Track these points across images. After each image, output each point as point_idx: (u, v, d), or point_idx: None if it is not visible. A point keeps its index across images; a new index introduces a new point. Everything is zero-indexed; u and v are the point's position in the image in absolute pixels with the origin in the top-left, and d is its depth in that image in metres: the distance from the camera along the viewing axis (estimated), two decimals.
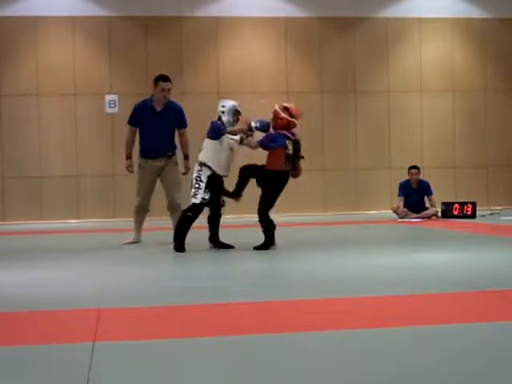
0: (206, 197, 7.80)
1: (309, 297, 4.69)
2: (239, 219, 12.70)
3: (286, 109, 7.83)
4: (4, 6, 14.66)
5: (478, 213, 12.51)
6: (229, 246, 7.97)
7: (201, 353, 3.20)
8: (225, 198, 8.09)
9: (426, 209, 12.61)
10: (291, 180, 8.02)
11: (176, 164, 8.86)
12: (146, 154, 8.79)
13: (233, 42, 15.35)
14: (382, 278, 5.53)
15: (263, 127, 7.92)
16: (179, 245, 7.74)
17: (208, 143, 7.91)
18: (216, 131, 7.88)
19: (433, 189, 12.83)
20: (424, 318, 3.88)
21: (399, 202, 12.65)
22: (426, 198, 12.78)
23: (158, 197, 9.06)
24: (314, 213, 14.83)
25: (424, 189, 12.77)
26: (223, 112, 7.93)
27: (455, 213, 12.50)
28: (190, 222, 7.83)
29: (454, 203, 12.76)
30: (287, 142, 7.74)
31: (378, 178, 15.50)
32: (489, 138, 16.17)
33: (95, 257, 7.69)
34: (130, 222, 9.09)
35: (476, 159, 16.12)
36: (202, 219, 8.10)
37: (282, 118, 7.76)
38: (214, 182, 7.87)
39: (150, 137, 8.75)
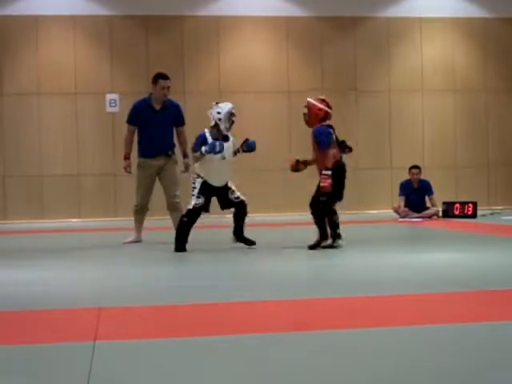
0: (199, 202, 7.76)
1: (309, 296, 4.69)
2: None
3: (322, 100, 7.72)
4: (4, 5, 14.66)
5: (478, 212, 12.50)
6: (251, 242, 7.84)
7: (201, 352, 3.20)
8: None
9: (427, 208, 12.61)
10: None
11: (176, 163, 8.86)
12: (145, 153, 8.78)
13: (234, 42, 15.35)
14: (382, 277, 5.53)
15: (251, 147, 7.83)
16: (180, 246, 7.74)
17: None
18: (197, 145, 7.77)
19: (433, 188, 12.83)
20: (424, 317, 3.88)
21: (400, 202, 12.65)
22: (426, 198, 12.78)
23: (159, 196, 9.06)
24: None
25: (425, 188, 12.77)
26: (220, 119, 7.75)
27: (456, 212, 12.49)
28: (188, 227, 7.81)
29: (454, 203, 12.76)
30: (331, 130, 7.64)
31: (378, 178, 15.50)
32: (490, 138, 16.17)
33: (96, 256, 7.70)
34: (130, 221, 9.09)
35: (477, 159, 16.12)
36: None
37: (320, 109, 7.62)
38: (210, 189, 7.81)
39: (150, 136, 8.74)
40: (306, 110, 7.72)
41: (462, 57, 16.10)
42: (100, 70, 14.95)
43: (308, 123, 7.73)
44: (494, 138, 16.17)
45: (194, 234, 7.91)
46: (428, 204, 12.73)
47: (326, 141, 7.54)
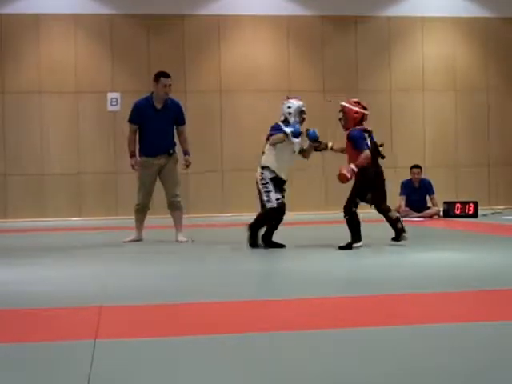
0: (279, 196, 7.70)
1: (309, 296, 4.68)
2: (239, 218, 12.68)
3: (357, 103, 7.72)
4: (6, 4, 14.67)
5: (479, 212, 12.50)
6: (280, 246, 7.77)
7: (202, 351, 3.20)
8: None
9: (428, 208, 12.61)
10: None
11: (177, 162, 8.86)
12: (147, 152, 8.77)
13: (235, 41, 15.35)
14: (382, 277, 5.53)
15: (314, 136, 7.75)
16: (251, 236, 7.68)
17: (271, 147, 7.74)
18: (274, 130, 7.72)
19: (434, 188, 12.83)
20: (424, 317, 3.88)
21: (401, 201, 12.64)
22: (427, 198, 12.77)
23: (160, 195, 9.06)
24: (315, 211, 14.82)
25: (426, 188, 12.77)
26: (290, 113, 7.76)
27: (457, 212, 12.49)
28: (269, 222, 7.70)
29: (455, 202, 12.75)
30: (366, 135, 7.64)
31: None
32: (491, 137, 16.16)
33: (96, 254, 7.70)
34: (131, 219, 9.09)
35: (478, 158, 16.12)
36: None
37: (357, 112, 7.65)
38: (278, 185, 7.75)
39: (151, 135, 8.74)
40: (341, 115, 7.73)
41: (463, 56, 16.10)
42: (101, 69, 14.96)
43: (345, 127, 7.75)
44: (495, 137, 16.17)
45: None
46: (429, 204, 12.72)
47: (362, 143, 7.57)
